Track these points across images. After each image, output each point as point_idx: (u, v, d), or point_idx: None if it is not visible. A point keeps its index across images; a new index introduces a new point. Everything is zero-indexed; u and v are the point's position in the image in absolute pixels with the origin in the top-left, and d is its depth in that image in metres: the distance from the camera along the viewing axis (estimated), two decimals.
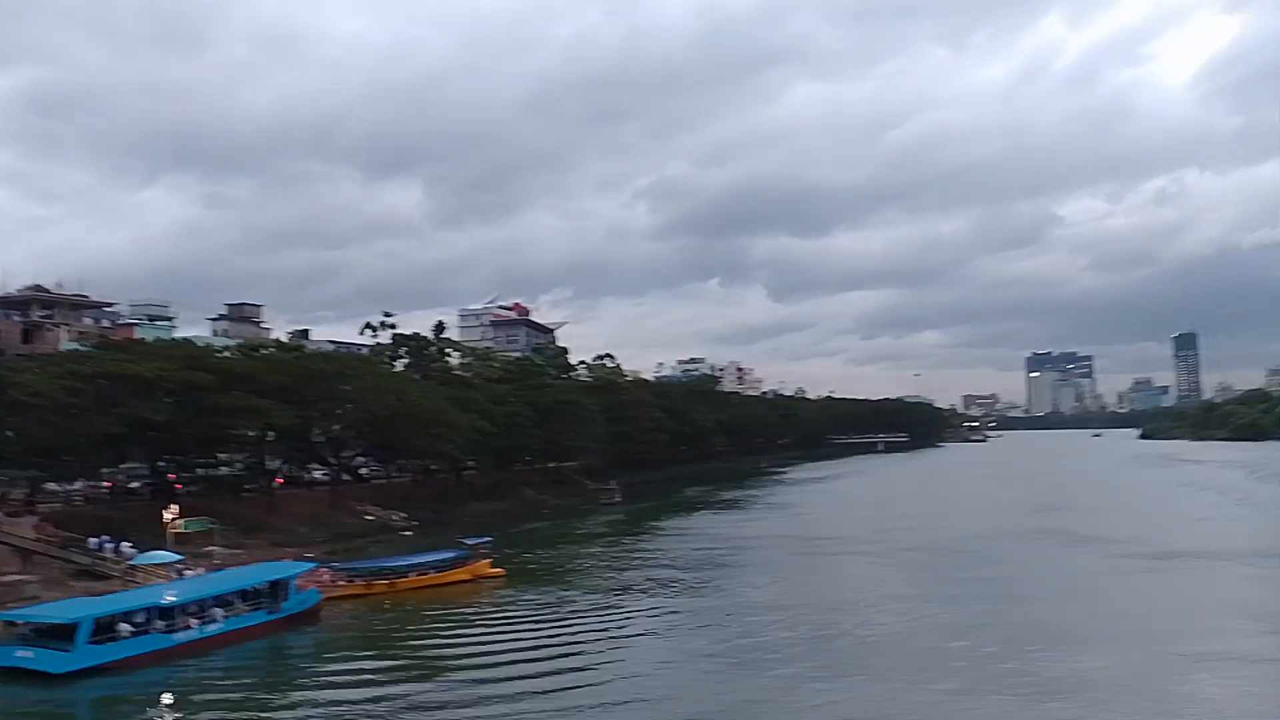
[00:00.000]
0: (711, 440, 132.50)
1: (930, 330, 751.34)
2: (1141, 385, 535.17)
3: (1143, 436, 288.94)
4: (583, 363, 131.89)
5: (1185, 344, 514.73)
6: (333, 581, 42.07)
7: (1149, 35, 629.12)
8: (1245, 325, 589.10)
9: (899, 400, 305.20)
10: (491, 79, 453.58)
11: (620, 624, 34.84)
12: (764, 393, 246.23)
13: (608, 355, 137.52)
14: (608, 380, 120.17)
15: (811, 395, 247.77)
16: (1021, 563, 47.62)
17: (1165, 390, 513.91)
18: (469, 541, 47.62)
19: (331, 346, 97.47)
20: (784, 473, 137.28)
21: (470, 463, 77.89)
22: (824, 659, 28.89)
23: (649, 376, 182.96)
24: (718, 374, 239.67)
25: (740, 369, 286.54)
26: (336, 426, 66.21)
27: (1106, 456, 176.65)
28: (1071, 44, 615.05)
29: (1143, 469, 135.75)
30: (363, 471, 78.60)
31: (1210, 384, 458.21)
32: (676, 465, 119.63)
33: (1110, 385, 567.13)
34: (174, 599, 32.56)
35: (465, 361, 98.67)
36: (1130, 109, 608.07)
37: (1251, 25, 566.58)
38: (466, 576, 45.06)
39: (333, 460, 69.35)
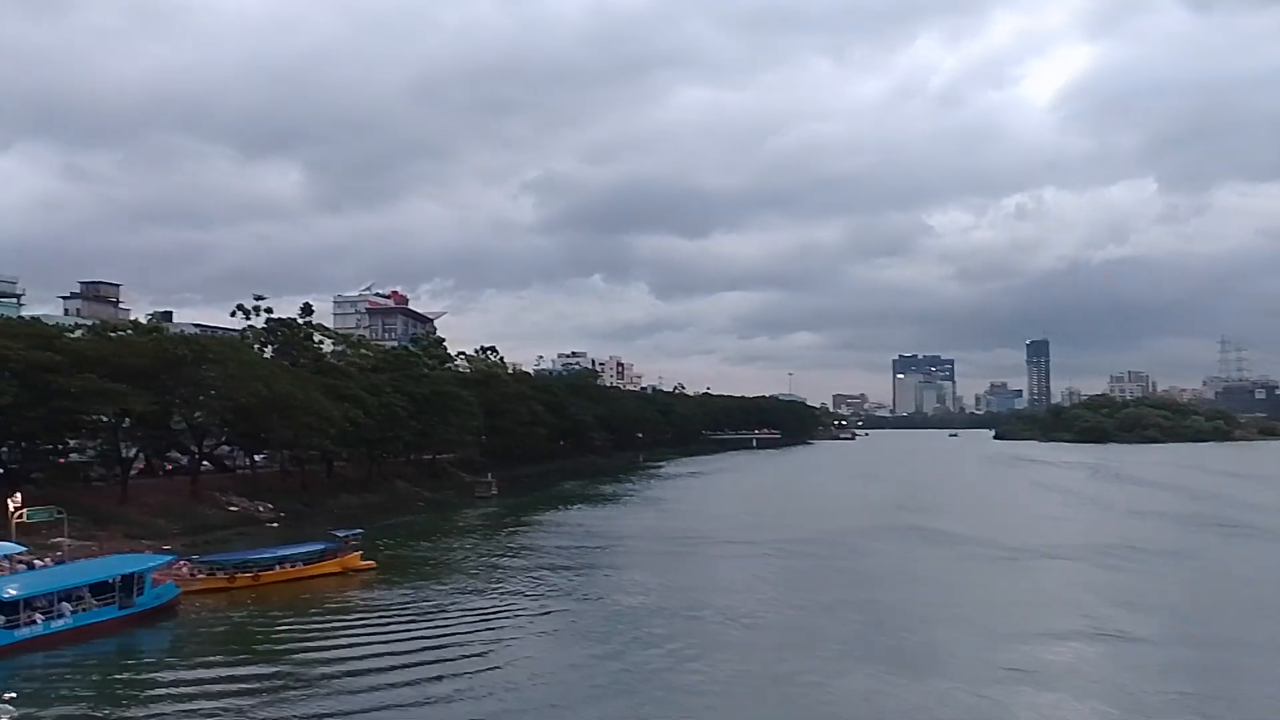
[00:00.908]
0: (590, 435, 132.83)
1: (804, 332, 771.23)
2: (997, 389, 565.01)
3: (997, 437, 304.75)
4: (462, 354, 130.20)
5: (1037, 351, 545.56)
6: (192, 575, 40.43)
7: (1016, 60, 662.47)
8: (1092, 335, 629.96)
9: (773, 398, 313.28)
10: (378, 63, 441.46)
11: (495, 618, 34.59)
12: (643, 388, 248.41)
13: (490, 348, 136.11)
14: (487, 372, 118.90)
15: (690, 392, 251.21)
16: (881, 559, 49.62)
17: (1019, 394, 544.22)
18: (339, 534, 46.54)
19: (196, 330, 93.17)
20: (661, 467, 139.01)
21: (342, 454, 75.87)
22: (701, 658, 29.37)
23: (529, 370, 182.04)
24: (598, 369, 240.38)
25: (621, 364, 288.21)
26: (199, 414, 63.38)
27: (963, 456, 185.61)
28: (945, 64, 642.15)
29: (996, 469, 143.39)
30: (227, 461, 75.53)
31: (1059, 389, 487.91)
32: (555, 459, 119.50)
33: (969, 388, 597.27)
34: (16, 592, 30.67)
35: (338, 349, 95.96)
36: (996, 128, 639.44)
37: (1106, 56, 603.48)
38: (336, 569, 44.03)
39: (194, 449, 66.41)
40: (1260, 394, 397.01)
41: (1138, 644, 30.14)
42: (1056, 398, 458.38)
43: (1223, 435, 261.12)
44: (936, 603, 37.36)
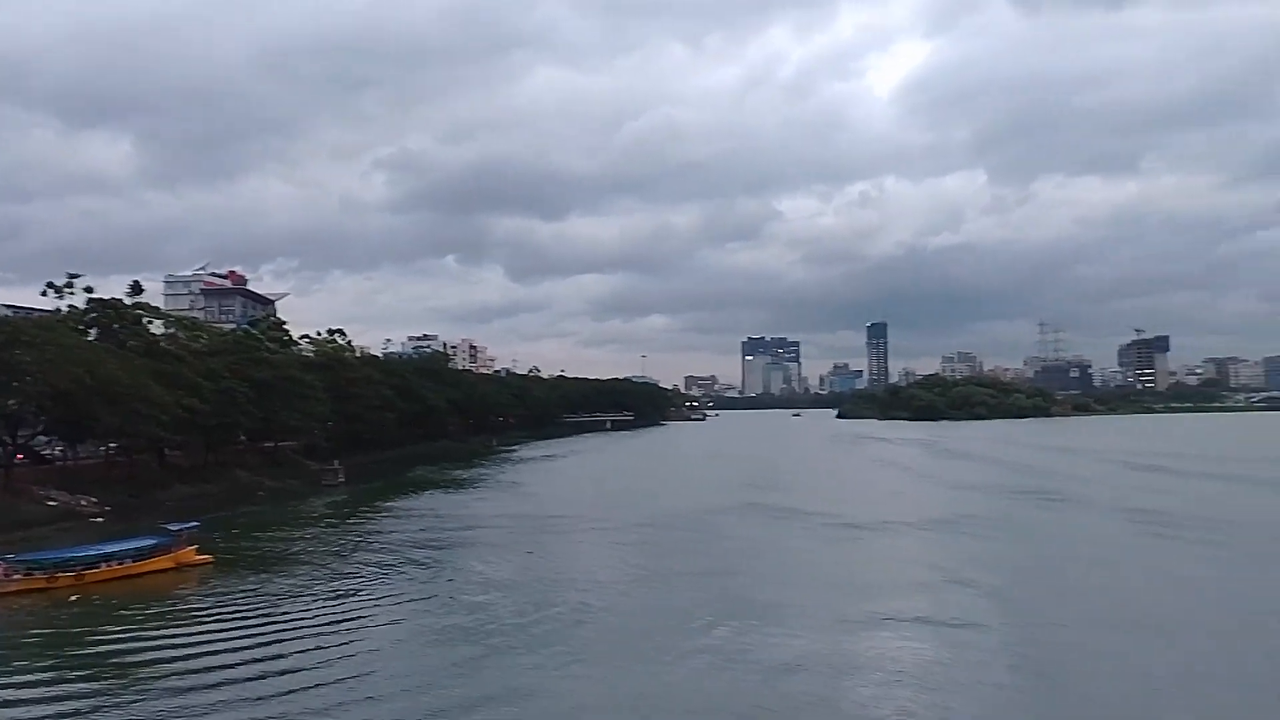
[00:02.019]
0: (443, 419, 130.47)
1: (658, 315, 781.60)
2: (840, 370, 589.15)
3: (839, 416, 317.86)
4: (306, 337, 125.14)
5: (877, 333, 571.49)
6: (6, 576, 37.40)
7: (860, 53, 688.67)
8: (927, 318, 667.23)
9: (627, 381, 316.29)
10: (220, 31, 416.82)
11: (344, 612, 33.38)
12: (497, 371, 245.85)
13: (338, 331, 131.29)
14: (333, 356, 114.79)
15: (544, 375, 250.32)
16: (731, 536, 50.96)
17: (860, 374, 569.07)
18: (172, 527, 43.91)
19: (9, 312, 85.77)
20: (515, 451, 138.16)
21: (175, 442, 71.67)
22: (556, 641, 29.44)
23: (378, 353, 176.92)
24: (450, 352, 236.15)
25: (474, 347, 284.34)
26: (12, 401, 58.52)
27: (808, 435, 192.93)
28: (794, 55, 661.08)
29: (839, 447, 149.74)
30: (45, 452, 70.10)
31: (896, 369, 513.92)
32: (406, 445, 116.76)
33: (814, 369, 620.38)
34: None
35: (170, 332, 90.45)
36: (841, 119, 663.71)
37: (942, 52, 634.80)
38: (169, 565, 41.62)
39: (7, 439, 61.29)
40: (1075, 373, 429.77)
41: (967, 607, 32.03)
42: (894, 377, 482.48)
43: (1042, 411, 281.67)
44: (785, 579, 38.70)
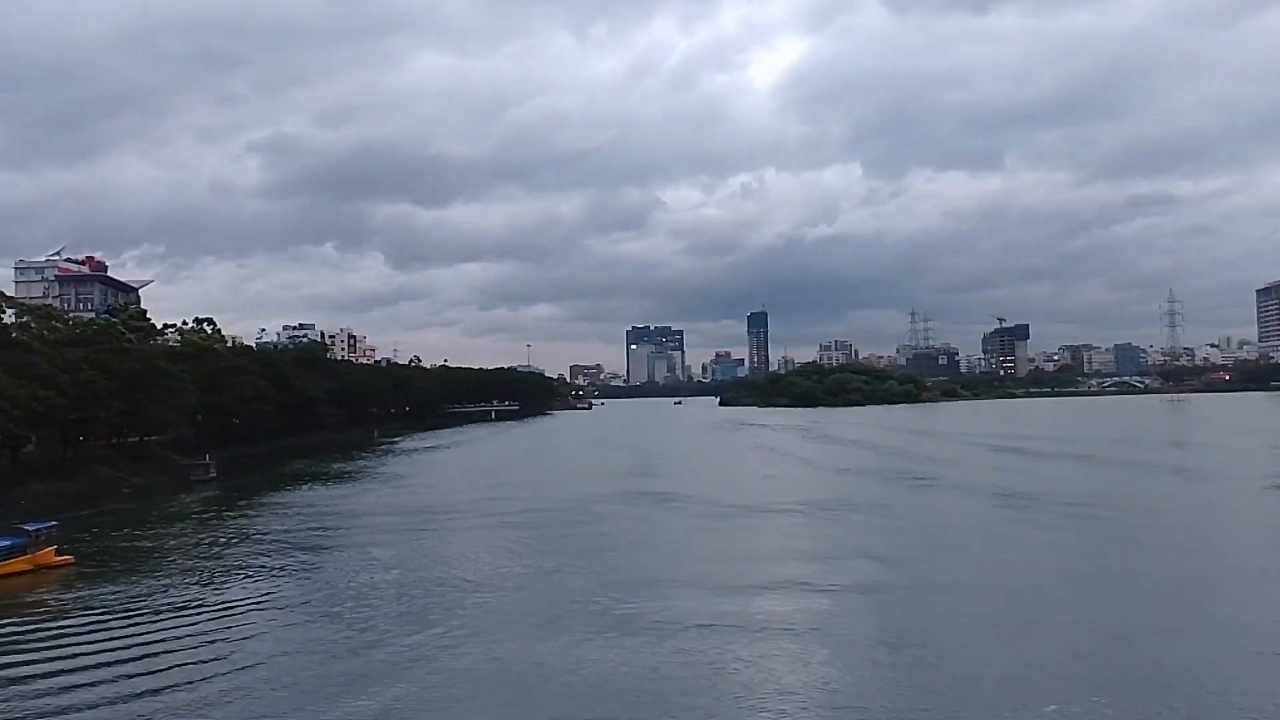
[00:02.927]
0: (320, 410, 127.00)
1: (543, 303, 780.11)
2: (722, 358, 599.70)
3: (722, 404, 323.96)
4: (172, 326, 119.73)
5: (757, 322, 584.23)
6: None
7: (742, 47, 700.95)
8: (805, 307, 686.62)
9: (512, 370, 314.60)
10: (80, 3, 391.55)
11: (218, 613, 32.13)
12: (378, 361, 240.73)
13: (207, 320, 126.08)
14: (202, 346, 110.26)
15: (427, 365, 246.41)
16: (616, 522, 51.56)
17: (741, 363, 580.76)
18: (29, 527, 41.56)
19: None
20: (396, 442, 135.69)
21: (29, 437, 67.68)
22: (440, 625, 29.31)
23: (251, 343, 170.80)
24: (328, 342, 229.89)
25: (353, 336, 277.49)
26: None
27: (691, 423, 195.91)
28: (679, 46, 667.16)
29: (721, 434, 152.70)
30: None
31: (776, 357, 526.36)
32: (281, 437, 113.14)
33: (697, 357, 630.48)
34: None
35: (23, 321, 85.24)
36: (724, 111, 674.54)
37: (819, 49, 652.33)
38: (26, 567, 39.42)
39: None
40: (943, 360, 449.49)
41: (840, 584, 33.43)
42: (774, 365, 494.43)
43: (913, 397, 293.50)
44: (667, 563, 39.46)
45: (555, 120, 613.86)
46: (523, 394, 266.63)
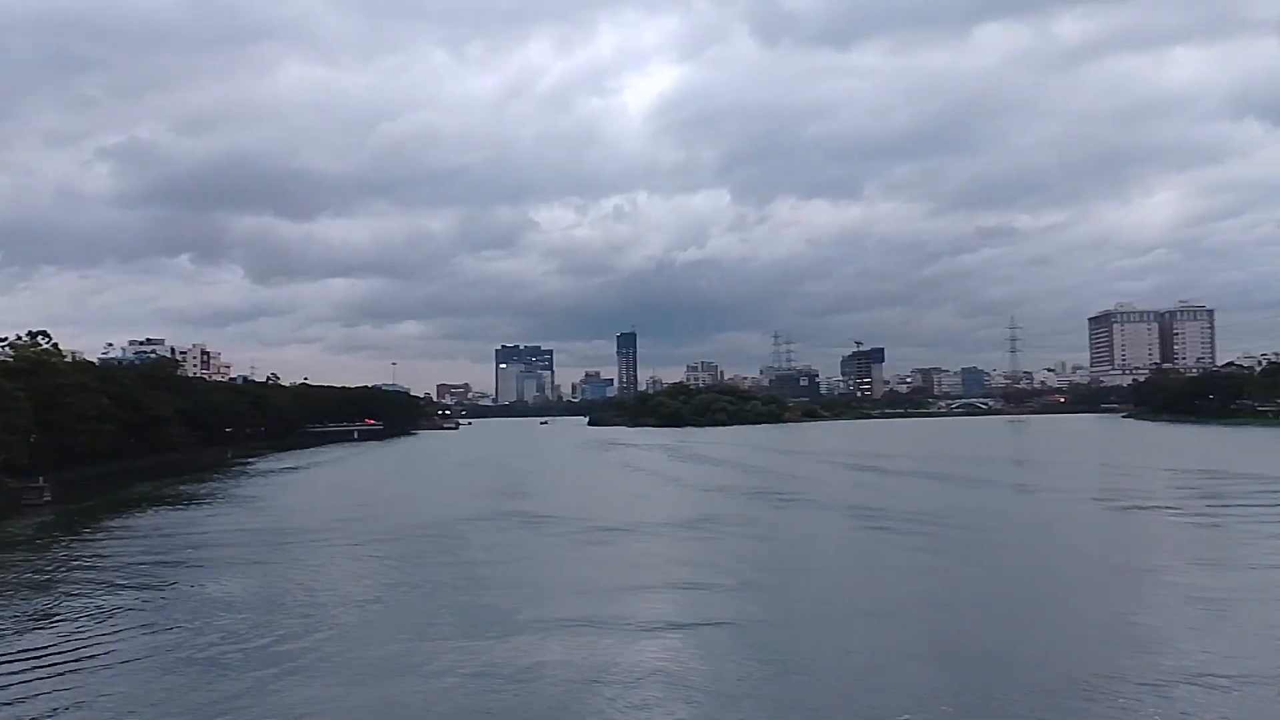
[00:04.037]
0: (170, 430, 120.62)
1: (411, 321, 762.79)
2: (591, 378, 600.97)
3: (591, 424, 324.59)
4: (3, 339, 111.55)
5: (626, 343, 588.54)
6: None
7: (616, 72, 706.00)
8: (674, 328, 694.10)
9: (376, 389, 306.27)
10: None
11: (55, 649, 29.83)
12: (233, 379, 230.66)
13: (41, 333, 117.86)
14: (36, 361, 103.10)
15: (286, 382, 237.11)
16: (481, 544, 51.02)
17: (610, 383, 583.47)
18: None
19: None
20: (252, 463, 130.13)
21: None
22: (292, 658, 28.31)
23: (95, 359, 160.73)
24: (180, 358, 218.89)
25: (206, 353, 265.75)
26: None
27: (560, 443, 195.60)
28: (554, 69, 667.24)
29: (589, 453, 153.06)
30: None
31: (645, 378, 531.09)
32: (127, 458, 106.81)
33: (567, 377, 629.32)
34: None
35: None
36: (598, 134, 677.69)
37: (692, 77, 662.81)
38: None
39: None
40: (804, 381, 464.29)
41: (705, 604, 34.13)
42: (642, 386, 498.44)
43: (775, 417, 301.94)
44: (533, 585, 39.31)
45: (429, 137, 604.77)
46: (387, 413, 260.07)
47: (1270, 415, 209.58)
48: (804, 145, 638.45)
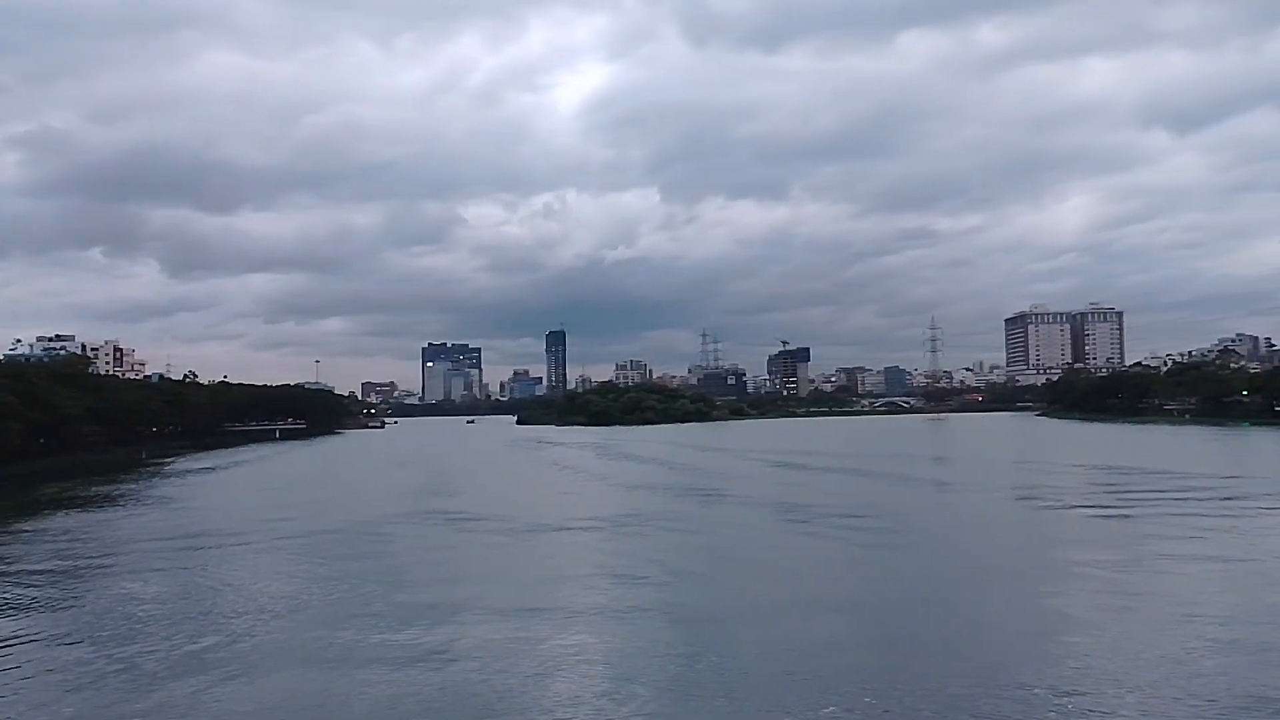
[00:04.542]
0: (81, 430, 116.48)
1: (336, 317, 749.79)
2: (520, 376, 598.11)
3: (519, 422, 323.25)
4: None
5: (556, 341, 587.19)
6: None
7: (547, 68, 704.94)
8: (603, 327, 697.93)
9: (299, 387, 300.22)
10: None
11: None
12: (148, 376, 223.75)
13: None
14: None
15: (205, 380, 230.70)
16: (407, 544, 50.50)
17: (539, 381, 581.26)
18: None
19: None
20: (168, 464, 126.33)
21: None
22: (222, 664, 27.68)
23: (0, 355, 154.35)
24: (91, 354, 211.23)
25: (119, 350, 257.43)
26: None
27: (488, 441, 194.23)
28: (484, 64, 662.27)
29: (518, 452, 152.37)
30: None
31: (574, 376, 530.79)
32: (32, 459, 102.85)
33: (495, 375, 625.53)
34: None
35: None
36: (528, 130, 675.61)
37: (622, 76, 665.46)
38: None
39: None
40: (732, 380, 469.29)
41: (632, 598, 34.39)
42: (572, 384, 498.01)
43: (703, 416, 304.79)
44: (460, 582, 39.04)
45: (355, 130, 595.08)
46: (310, 412, 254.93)
47: (1175, 413, 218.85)
48: (732, 145, 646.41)
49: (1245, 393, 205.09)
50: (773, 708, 22.05)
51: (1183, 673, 23.65)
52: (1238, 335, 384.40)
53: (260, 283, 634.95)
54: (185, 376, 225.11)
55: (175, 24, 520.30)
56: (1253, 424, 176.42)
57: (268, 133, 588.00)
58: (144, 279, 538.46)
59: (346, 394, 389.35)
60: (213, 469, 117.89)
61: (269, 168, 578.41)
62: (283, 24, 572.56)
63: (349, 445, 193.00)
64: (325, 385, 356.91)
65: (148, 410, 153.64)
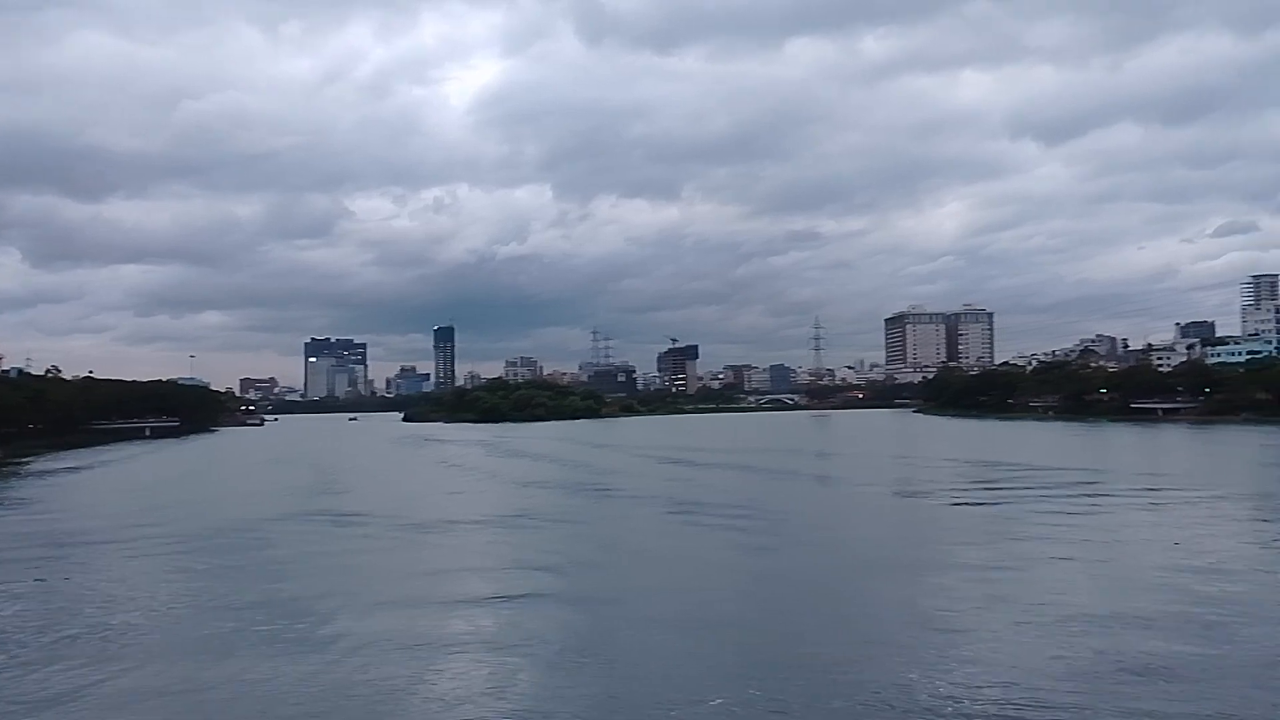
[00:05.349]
0: None
1: (213, 311, 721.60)
2: (407, 372, 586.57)
3: (406, 419, 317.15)
4: None
5: (444, 337, 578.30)
6: None
7: (439, 62, 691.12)
8: (493, 323, 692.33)
9: (172, 383, 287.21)
10: None
11: None
12: (6, 371, 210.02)
13: None
14: None
15: (69, 375, 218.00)
16: (288, 544, 49.00)
17: (427, 378, 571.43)
18: None
19: None
20: (27, 464, 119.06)
21: None
22: (93, 666, 26.34)
23: None
24: None
25: None
26: None
27: (373, 439, 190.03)
28: (374, 54, 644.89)
29: (405, 450, 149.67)
30: None
31: (463, 372, 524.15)
32: None
33: (381, 371, 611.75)
34: None
35: None
36: (419, 124, 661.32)
37: (516, 72, 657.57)
38: None
39: None
40: (622, 377, 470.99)
41: (530, 597, 34.26)
42: (461, 381, 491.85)
43: (594, 412, 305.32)
44: (345, 582, 38.09)
45: (237, 118, 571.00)
46: (185, 409, 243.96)
47: (1040, 410, 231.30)
48: (625, 145, 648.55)
49: (1104, 390, 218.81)
50: (660, 698, 22.38)
51: (1049, 646, 25.13)
52: (1097, 336, 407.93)
53: (132, 274, 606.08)
54: (48, 371, 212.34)
55: (44, 3, 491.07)
56: (1110, 420, 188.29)
57: (142, 119, 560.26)
58: (3, 268, 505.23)
59: (224, 390, 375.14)
60: (76, 469, 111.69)
61: (143, 154, 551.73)
62: (161, 6, 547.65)
63: (225, 443, 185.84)
64: (201, 381, 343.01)
65: (6, 407, 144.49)
